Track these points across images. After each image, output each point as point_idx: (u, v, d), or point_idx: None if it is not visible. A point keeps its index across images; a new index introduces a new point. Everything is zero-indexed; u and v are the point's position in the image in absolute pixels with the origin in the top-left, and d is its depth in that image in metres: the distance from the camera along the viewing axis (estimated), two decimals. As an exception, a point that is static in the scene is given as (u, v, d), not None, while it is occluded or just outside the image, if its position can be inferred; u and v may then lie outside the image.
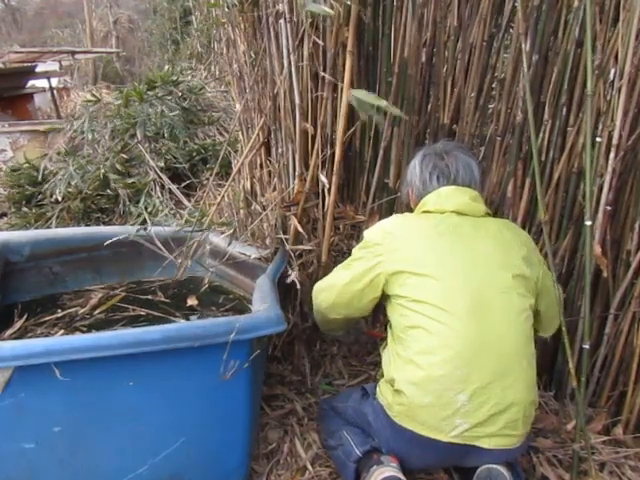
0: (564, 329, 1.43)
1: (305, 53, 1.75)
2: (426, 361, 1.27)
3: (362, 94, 1.47)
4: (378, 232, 1.44)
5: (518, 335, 1.31)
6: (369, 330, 2.07)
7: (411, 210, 1.57)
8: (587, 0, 1.26)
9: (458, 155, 1.47)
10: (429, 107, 1.95)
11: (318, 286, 1.62)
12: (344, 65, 1.68)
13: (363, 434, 1.47)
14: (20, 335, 1.70)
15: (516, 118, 1.75)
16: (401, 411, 1.31)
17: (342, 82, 1.66)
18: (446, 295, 1.29)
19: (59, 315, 1.84)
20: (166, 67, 5.27)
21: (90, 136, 3.62)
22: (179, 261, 1.97)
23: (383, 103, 1.42)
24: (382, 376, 1.44)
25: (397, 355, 1.36)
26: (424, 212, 1.45)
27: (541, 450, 1.66)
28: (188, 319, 1.89)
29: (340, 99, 1.73)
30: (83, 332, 1.76)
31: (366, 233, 1.48)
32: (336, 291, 1.50)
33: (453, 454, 1.31)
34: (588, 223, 1.40)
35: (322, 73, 1.74)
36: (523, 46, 1.40)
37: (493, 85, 1.88)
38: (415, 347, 1.30)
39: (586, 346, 1.46)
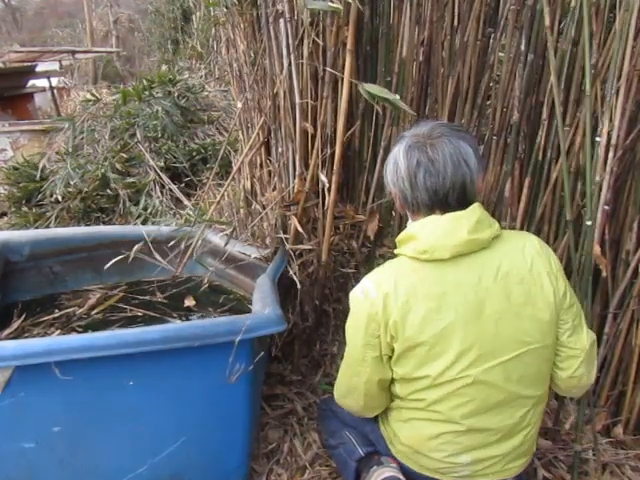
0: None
1: (305, 52, 1.75)
2: (424, 428, 1.21)
3: (375, 88, 1.48)
4: (365, 303, 1.18)
5: (531, 392, 1.19)
6: None
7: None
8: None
9: (445, 145, 1.14)
10: (427, 106, 1.95)
11: (338, 392, 1.37)
12: (344, 64, 1.68)
13: (365, 436, 1.46)
14: (17, 335, 1.71)
15: (513, 117, 1.75)
16: (402, 450, 1.29)
17: (342, 81, 1.67)
18: (446, 376, 1.14)
19: (56, 315, 1.84)
20: (164, 67, 5.26)
21: (88, 136, 3.62)
22: (178, 259, 1.98)
23: (397, 97, 1.45)
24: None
25: (398, 408, 1.29)
26: (411, 258, 1.17)
27: (542, 451, 1.66)
28: (186, 319, 1.89)
29: (340, 98, 1.73)
30: (79, 332, 1.76)
31: (353, 304, 1.23)
32: (362, 393, 1.27)
33: None
34: (568, 218, 1.40)
35: (324, 67, 1.73)
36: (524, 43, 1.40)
37: (491, 84, 1.88)
38: (412, 414, 1.23)
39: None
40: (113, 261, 1.93)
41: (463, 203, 1.16)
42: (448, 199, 1.16)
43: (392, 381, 1.26)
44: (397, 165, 1.19)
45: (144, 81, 3.85)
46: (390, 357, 1.21)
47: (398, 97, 1.47)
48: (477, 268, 1.14)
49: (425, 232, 1.15)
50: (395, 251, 1.24)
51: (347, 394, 1.33)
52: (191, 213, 2.77)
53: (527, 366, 1.16)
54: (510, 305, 1.13)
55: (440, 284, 1.13)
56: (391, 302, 1.14)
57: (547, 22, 1.45)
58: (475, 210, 1.15)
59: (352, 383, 1.27)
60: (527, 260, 1.16)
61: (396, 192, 1.23)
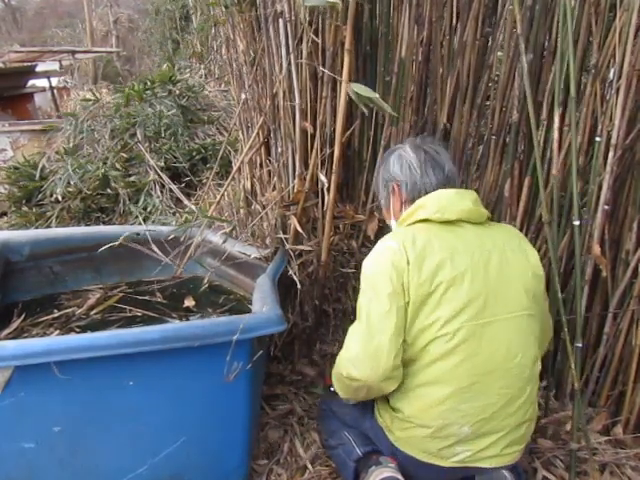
0: (565, 330, 1.44)
1: (304, 52, 1.75)
2: (429, 394, 1.23)
3: (359, 88, 1.50)
4: (388, 252, 1.25)
5: (526, 361, 1.25)
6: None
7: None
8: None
9: (440, 147, 1.40)
10: (427, 106, 1.95)
11: (351, 363, 1.28)
12: (343, 64, 1.68)
13: (364, 435, 1.47)
14: (16, 335, 1.70)
15: (512, 117, 1.75)
16: (401, 437, 1.30)
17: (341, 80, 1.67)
18: (453, 325, 1.19)
19: (55, 315, 1.84)
20: (164, 66, 5.26)
21: (88, 135, 3.62)
22: (178, 260, 1.98)
23: (375, 95, 1.46)
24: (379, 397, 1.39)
25: (403, 380, 1.28)
26: (421, 221, 1.29)
27: (541, 450, 1.66)
28: (186, 319, 1.89)
29: (339, 98, 1.73)
30: (78, 333, 1.76)
31: (374, 259, 1.29)
32: (384, 354, 1.22)
33: (455, 475, 1.29)
34: (544, 219, 1.42)
35: (322, 69, 1.74)
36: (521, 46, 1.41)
37: (490, 84, 1.88)
38: (417, 380, 1.25)
39: (579, 345, 1.46)
40: (109, 245, 1.93)
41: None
42: (447, 187, 1.35)
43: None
44: (406, 159, 1.38)
45: (147, 81, 3.83)
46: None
47: (377, 95, 1.47)
48: (479, 236, 1.28)
49: (434, 198, 1.30)
50: (401, 226, 1.36)
51: (366, 362, 1.24)
52: (191, 211, 2.77)
53: (520, 332, 1.25)
54: (508, 269, 1.26)
55: (452, 240, 1.25)
56: (409, 249, 1.23)
57: (519, 30, 1.48)
58: (472, 191, 1.35)
59: (373, 345, 1.22)
60: (515, 238, 1.34)
61: (400, 182, 1.38)
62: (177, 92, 3.82)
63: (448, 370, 1.20)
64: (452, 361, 1.20)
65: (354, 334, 1.30)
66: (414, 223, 1.31)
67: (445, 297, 1.20)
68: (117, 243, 1.95)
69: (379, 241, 1.32)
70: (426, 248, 1.22)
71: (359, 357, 1.26)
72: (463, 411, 1.21)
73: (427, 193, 1.33)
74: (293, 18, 1.73)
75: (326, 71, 1.71)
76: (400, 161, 1.38)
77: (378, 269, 1.26)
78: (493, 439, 1.23)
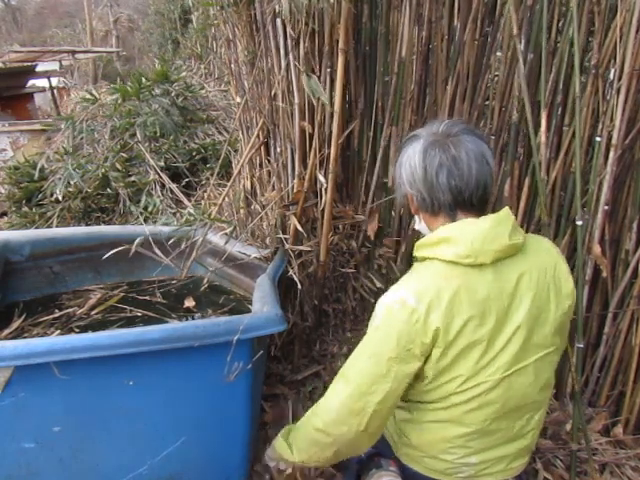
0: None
1: (301, 52, 1.76)
2: (438, 431, 1.19)
3: (312, 81, 1.51)
4: (402, 313, 1.08)
5: (539, 396, 1.19)
6: None
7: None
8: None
9: (468, 143, 1.10)
10: (426, 106, 1.95)
11: (331, 417, 1.17)
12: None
13: None
14: (17, 335, 1.70)
15: (512, 117, 1.75)
16: (407, 453, 1.29)
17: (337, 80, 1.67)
18: (476, 379, 1.11)
19: (56, 315, 1.84)
20: (157, 65, 5.25)
21: (87, 135, 3.62)
22: (180, 260, 1.98)
23: (316, 87, 1.49)
24: None
25: (410, 411, 1.25)
26: (450, 262, 1.10)
27: (542, 451, 1.66)
28: (187, 319, 1.89)
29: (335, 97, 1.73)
30: (78, 333, 1.76)
31: (385, 315, 1.11)
32: (368, 415, 1.13)
33: None
34: (543, 220, 1.39)
35: (320, 67, 1.74)
36: (518, 46, 1.40)
37: (489, 85, 1.88)
38: (428, 416, 1.20)
39: (580, 345, 1.46)
40: (112, 252, 1.93)
41: (483, 202, 1.14)
42: (472, 199, 1.12)
43: (411, 388, 1.19)
44: (414, 167, 1.13)
45: (142, 79, 3.83)
46: (425, 361, 1.13)
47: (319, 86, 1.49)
48: (514, 273, 1.12)
49: (467, 236, 1.09)
50: (421, 254, 1.17)
51: (346, 420, 1.15)
52: (192, 213, 2.77)
53: (542, 371, 1.17)
54: (538, 310, 1.13)
55: (483, 289, 1.09)
56: (434, 310, 1.06)
57: (515, 30, 1.48)
58: (510, 214, 1.13)
59: (359, 405, 1.12)
60: (551, 265, 1.16)
61: (412, 194, 1.17)
62: (173, 92, 3.81)
63: (459, 415, 1.15)
64: (466, 408, 1.14)
65: (337, 394, 1.17)
66: (437, 259, 1.12)
67: (470, 356, 1.09)
68: (124, 247, 1.94)
69: (400, 281, 1.15)
70: (453, 307, 1.06)
71: (340, 415, 1.15)
72: (471, 447, 1.19)
73: (440, 210, 1.15)
74: (291, 18, 1.73)
75: (312, 72, 1.72)
76: (410, 169, 1.15)
77: (386, 327, 1.10)
78: (498, 461, 1.22)
